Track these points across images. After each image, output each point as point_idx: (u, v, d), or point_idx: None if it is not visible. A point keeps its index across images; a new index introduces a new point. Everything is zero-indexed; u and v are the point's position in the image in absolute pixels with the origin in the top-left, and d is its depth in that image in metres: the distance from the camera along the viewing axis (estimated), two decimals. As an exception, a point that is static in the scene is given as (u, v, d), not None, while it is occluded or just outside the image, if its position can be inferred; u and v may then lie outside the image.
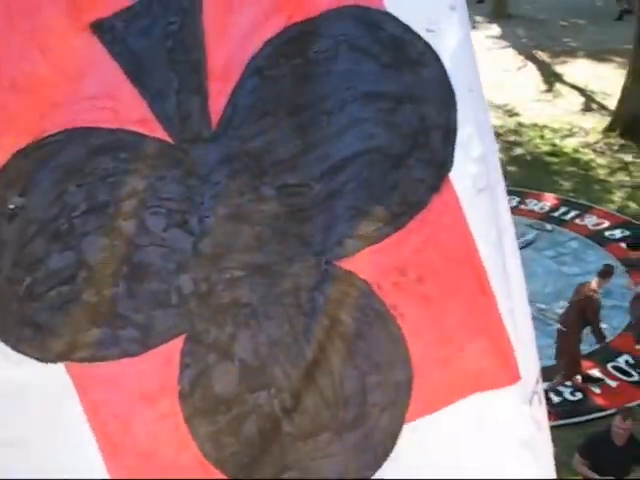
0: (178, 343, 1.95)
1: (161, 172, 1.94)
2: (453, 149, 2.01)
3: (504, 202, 2.17)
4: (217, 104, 1.94)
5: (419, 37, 1.98)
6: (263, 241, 1.96)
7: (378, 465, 2.03)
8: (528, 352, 2.11)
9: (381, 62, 1.97)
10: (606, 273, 10.16)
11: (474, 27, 23.79)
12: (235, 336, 1.96)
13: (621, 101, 16.92)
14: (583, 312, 9.73)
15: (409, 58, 1.98)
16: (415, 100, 1.98)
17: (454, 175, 2.01)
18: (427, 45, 1.99)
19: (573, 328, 9.82)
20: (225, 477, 1.98)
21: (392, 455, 2.02)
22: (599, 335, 10.04)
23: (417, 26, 1.98)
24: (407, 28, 1.98)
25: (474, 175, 2.05)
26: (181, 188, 1.94)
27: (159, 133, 1.93)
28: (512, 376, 2.06)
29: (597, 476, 7.67)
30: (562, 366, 9.88)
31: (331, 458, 2.00)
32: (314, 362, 1.96)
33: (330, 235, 1.97)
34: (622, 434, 7.55)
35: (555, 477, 2.22)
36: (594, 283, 9.96)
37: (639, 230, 12.86)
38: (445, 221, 2.01)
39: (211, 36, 1.93)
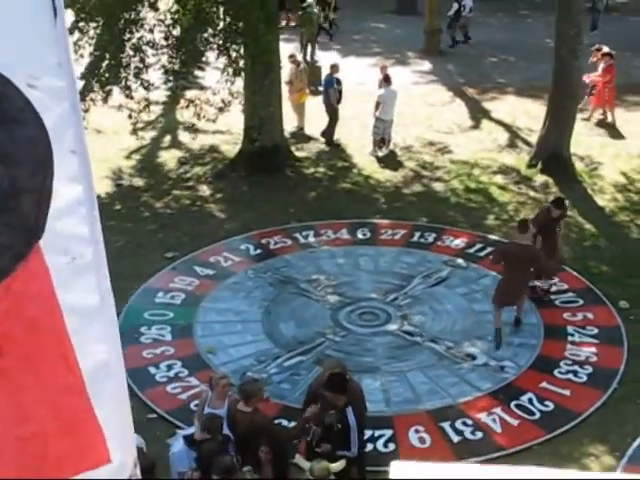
0: None
1: None
2: (46, 215, 1.89)
3: (103, 267, 2.04)
4: None
5: (20, 92, 1.86)
6: None
7: None
8: (123, 433, 1.98)
9: None
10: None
11: (406, 63, 23.99)
12: None
13: (541, 138, 17.06)
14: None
15: (6, 115, 1.86)
16: (7, 161, 1.85)
17: (45, 243, 1.90)
18: (27, 102, 1.87)
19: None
20: None
21: None
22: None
23: (19, 80, 1.86)
24: (7, 82, 1.85)
25: (68, 243, 1.94)
26: None
27: None
28: (101, 458, 1.93)
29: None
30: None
31: None
32: None
33: None
34: None
35: None
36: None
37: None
38: (31, 290, 1.90)
39: None
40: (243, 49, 14.76)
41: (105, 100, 14.88)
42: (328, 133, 18.56)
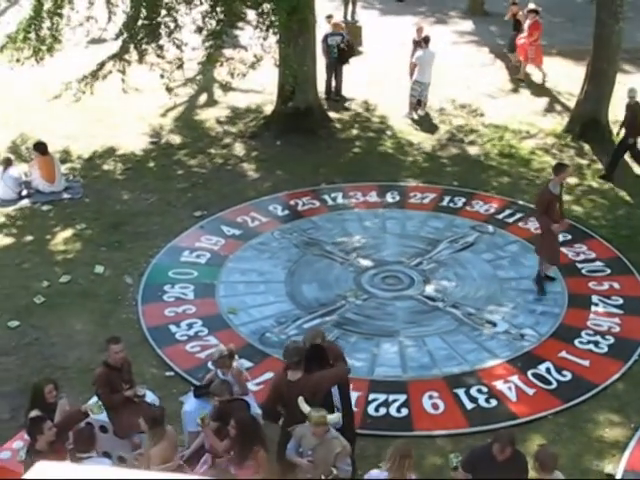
0: None
1: None
2: None
3: None
4: None
5: None
6: None
7: None
8: None
9: None
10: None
11: (448, 23, 23.66)
12: None
13: (579, 103, 16.74)
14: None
15: None
16: None
17: None
18: None
19: None
20: None
21: None
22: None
23: None
24: None
25: None
26: None
27: None
28: None
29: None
30: None
31: None
32: None
33: None
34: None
35: None
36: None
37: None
38: None
39: None
40: (277, 5, 14.61)
41: (141, 60, 14.88)
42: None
